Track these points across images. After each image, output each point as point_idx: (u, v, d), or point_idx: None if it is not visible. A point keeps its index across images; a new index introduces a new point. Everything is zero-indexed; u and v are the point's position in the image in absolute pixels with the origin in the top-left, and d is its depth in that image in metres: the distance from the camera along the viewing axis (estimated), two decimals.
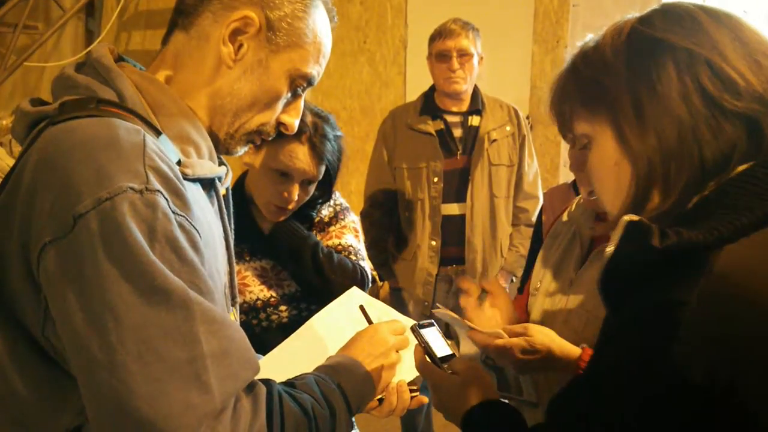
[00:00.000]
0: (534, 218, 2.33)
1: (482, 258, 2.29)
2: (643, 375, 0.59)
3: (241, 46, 0.80)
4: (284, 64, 0.82)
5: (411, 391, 1.10)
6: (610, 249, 0.65)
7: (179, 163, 0.74)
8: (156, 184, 0.65)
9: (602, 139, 0.72)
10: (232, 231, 0.91)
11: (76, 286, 0.62)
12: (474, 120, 2.26)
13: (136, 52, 4.04)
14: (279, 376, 0.86)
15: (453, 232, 2.27)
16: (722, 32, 0.67)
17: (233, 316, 0.87)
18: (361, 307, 1.07)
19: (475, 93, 2.29)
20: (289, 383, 0.83)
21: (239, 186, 1.46)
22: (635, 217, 0.64)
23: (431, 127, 2.23)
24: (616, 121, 0.70)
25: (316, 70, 0.86)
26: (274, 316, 1.39)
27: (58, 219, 0.62)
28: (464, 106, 2.27)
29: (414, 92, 2.36)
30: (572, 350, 1.03)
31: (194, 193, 0.76)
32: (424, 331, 0.96)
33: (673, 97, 0.65)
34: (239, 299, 1.36)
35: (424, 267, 2.29)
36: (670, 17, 0.70)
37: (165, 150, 0.72)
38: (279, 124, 0.87)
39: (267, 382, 0.76)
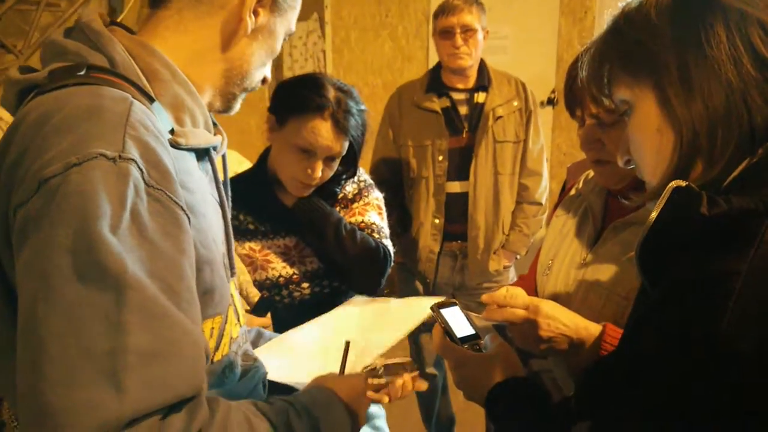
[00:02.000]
0: (537, 195, 2.30)
1: (484, 235, 2.27)
2: (691, 347, 0.57)
3: (258, 15, 0.80)
4: (284, 26, 0.85)
5: (405, 369, 1.05)
6: (653, 215, 0.62)
7: (172, 132, 0.72)
8: (132, 152, 0.62)
9: (644, 104, 0.69)
10: (229, 200, 0.90)
11: (26, 252, 0.58)
12: (480, 97, 2.22)
13: None
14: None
15: (456, 209, 2.26)
16: None
17: (232, 286, 0.85)
18: (346, 345, 1.03)
19: (482, 68, 2.24)
20: (259, 410, 0.76)
21: (262, 163, 1.46)
22: (683, 183, 0.61)
23: (437, 104, 2.20)
24: (660, 85, 0.66)
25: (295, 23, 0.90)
26: (296, 293, 1.41)
27: (26, 183, 0.60)
28: (470, 83, 2.23)
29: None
30: (590, 325, 0.98)
31: (187, 163, 0.74)
32: (444, 311, 0.95)
33: (722, 60, 0.62)
34: (262, 275, 1.38)
35: (426, 245, 2.28)
36: None
37: (157, 119, 0.69)
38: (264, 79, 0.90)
39: (226, 406, 0.68)
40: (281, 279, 1.40)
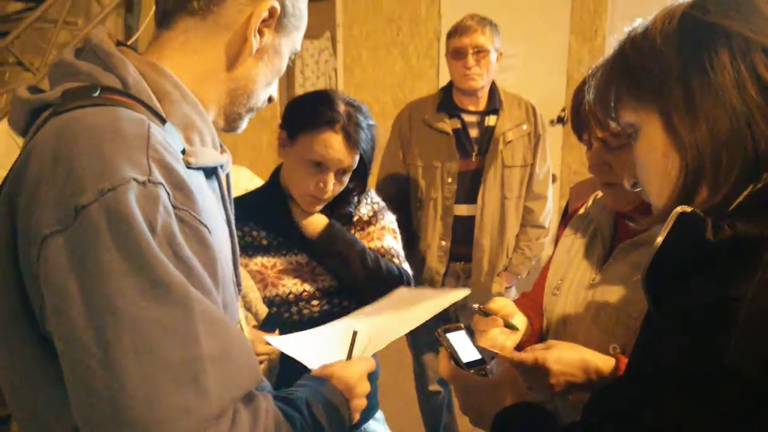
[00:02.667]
0: (541, 219, 2.29)
1: (489, 258, 2.27)
2: (696, 372, 0.57)
3: (263, 35, 0.80)
4: (289, 46, 0.86)
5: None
6: (659, 240, 0.63)
7: (183, 151, 0.73)
8: (158, 176, 0.64)
9: (650, 128, 0.70)
10: (232, 218, 0.91)
11: (77, 278, 0.60)
12: (490, 120, 2.21)
13: None
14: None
15: (462, 232, 2.24)
16: None
17: (240, 304, 0.87)
18: (354, 335, 1.05)
19: (493, 91, 2.23)
20: (282, 398, 0.80)
21: (274, 179, 1.47)
22: (688, 209, 0.62)
23: (448, 126, 2.19)
24: (665, 110, 0.67)
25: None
26: (305, 310, 1.41)
27: (60, 210, 0.61)
28: (481, 105, 2.21)
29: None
30: (605, 359, 0.98)
31: (198, 181, 0.75)
32: (450, 336, 0.94)
33: (726, 86, 0.62)
34: (272, 292, 1.39)
35: (432, 266, 2.27)
36: (724, 2, 0.66)
37: (170, 139, 0.71)
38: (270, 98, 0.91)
39: (266, 396, 0.73)
40: (291, 296, 1.40)
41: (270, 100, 0.90)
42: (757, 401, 0.54)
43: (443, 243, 2.25)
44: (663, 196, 0.70)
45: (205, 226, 0.68)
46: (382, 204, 1.55)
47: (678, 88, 0.65)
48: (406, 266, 1.52)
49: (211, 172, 0.82)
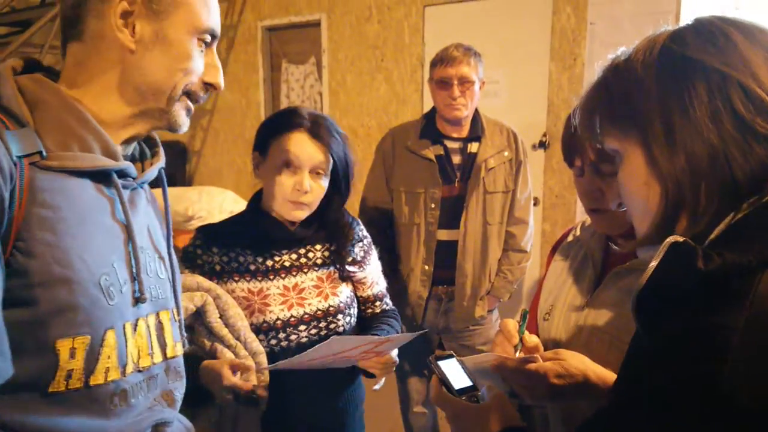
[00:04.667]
0: (522, 243, 2.32)
1: (471, 282, 2.29)
2: (689, 400, 0.58)
3: (134, 27, 0.83)
4: (180, 27, 0.86)
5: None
6: (653, 265, 0.64)
7: (41, 154, 0.78)
8: None
9: (632, 156, 0.71)
10: (158, 228, 0.98)
11: None
12: (473, 147, 2.24)
13: None
14: None
15: (445, 256, 2.27)
16: (756, 53, 0.65)
17: (143, 319, 0.89)
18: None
19: (475, 118, 2.26)
20: None
21: (254, 203, 1.47)
22: (680, 238, 0.63)
23: (431, 152, 2.22)
24: (646, 141, 0.69)
25: (212, 21, 0.89)
26: (293, 336, 1.41)
27: None
28: (464, 132, 2.24)
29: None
30: (608, 375, 0.98)
31: (62, 183, 0.79)
32: (441, 363, 0.95)
33: (704, 121, 0.64)
34: (259, 319, 1.39)
35: (415, 290, 2.29)
36: (702, 35, 0.68)
37: (13, 140, 0.76)
38: (206, 86, 0.91)
39: None
40: (278, 322, 1.40)
41: (214, 88, 0.91)
42: (751, 430, 0.55)
43: (426, 267, 2.27)
44: (644, 223, 0.71)
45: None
46: (369, 239, 1.58)
47: (657, 119, 0.67)
48: (389, 301, 1.61)
49: (100, 178, 0.84)
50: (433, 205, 2.22)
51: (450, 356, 0.96)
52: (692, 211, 0.66)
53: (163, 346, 0.94)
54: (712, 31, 0.68)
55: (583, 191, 1.11)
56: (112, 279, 0.82)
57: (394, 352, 1.42)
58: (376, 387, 1.39)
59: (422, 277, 2.28)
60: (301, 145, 1.36)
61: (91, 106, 0.85)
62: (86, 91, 0.85)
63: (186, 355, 1.31)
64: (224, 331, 1.32)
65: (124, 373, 0.84)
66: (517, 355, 1.05)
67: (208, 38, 0.89)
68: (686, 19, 0.73)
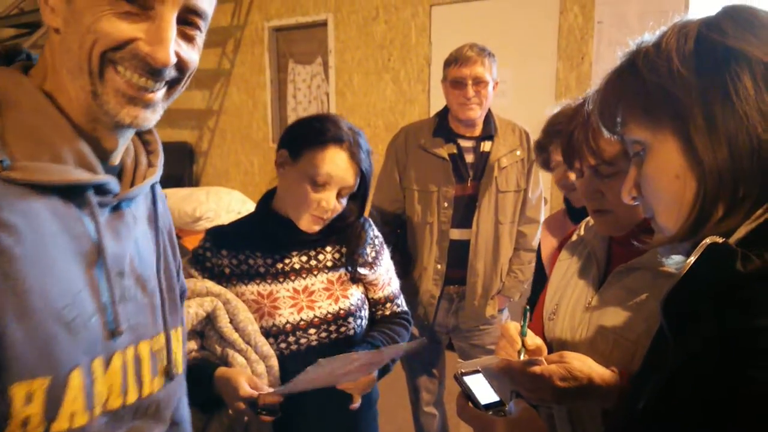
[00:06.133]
0: (533, 243, 2.31)
1: (483, 282, 2.28)
2: (727, 404, 0.56)
3: (53, 8, 0.70)
4: None
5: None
6: (689, 262, 0.62)
7: (2, 164, 0.66)
8: None
9: (663, 148, 0.69)
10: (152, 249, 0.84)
11: None
12: (485, 146, 2.24)
13: None
14: None
15: (457, 256, 2.26)
16: None
17: (119, 353, 0.76)
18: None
19: (488, 118, 2.26)
20: None
21: (264, 205, 1.47)
22: (719, 240, 0.61)
23: (444, 150, 2.21)
24: (685, 132, 0.66)
25: None
26: (303, 339, 1.40)
27: None
28: (477, 131, 2.24)
29: (438, 109, 2.36)
30: (611, 377, 0.97)
31: (24, 199, 0.67)
32: (467, 379, 0.94)
33: (750, 113, 0.62)
34: (269, 322, 1.38)
35: (427, 289, 2.29)
36: (740, 23, 0.66)
37: None
38: (145, 58, 0.70)
39: None
40: (288, 326, 1.39)
41: (153, 59, 0.69)
42: None
43: (439, 267, 2.26)
44: (673, 218, 0.69)
45: None
46: (380, 238, 1.57)
47: (699, 112, 0.65)
48: (401, 302, 1.58)
49: (73, 194, 0.71)
50: (446, 204, 2.22)
51: (476, 372, 0.96)
52: (728, 207, 0.64)
53: (139, 384, 0.80)
54: (750, 20, 0.66)
55: (583, 192, 1.11)
56: (77, 310, 0.70)
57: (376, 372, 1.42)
58: (355, 405, 1.38)
59: (435, 277, 2.27)
60: (336, 164, 1.33)
61: (64, 104, 0.72)
62: (51, 87, 0.72)
63: (198, 361, 1.32)
64: (234, 336, 1.32)
65: (92, 416, 0.72)
66: (521, 358, 1.05)
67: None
68: (695, 15, 0.71)
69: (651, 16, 3.17)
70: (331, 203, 1.35)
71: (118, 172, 0.80)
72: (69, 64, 0.70)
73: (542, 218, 2.34)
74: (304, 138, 1.37)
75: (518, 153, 2.25)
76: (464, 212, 2.24)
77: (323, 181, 1.34)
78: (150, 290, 0.83)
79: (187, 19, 0.73)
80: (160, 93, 0.74)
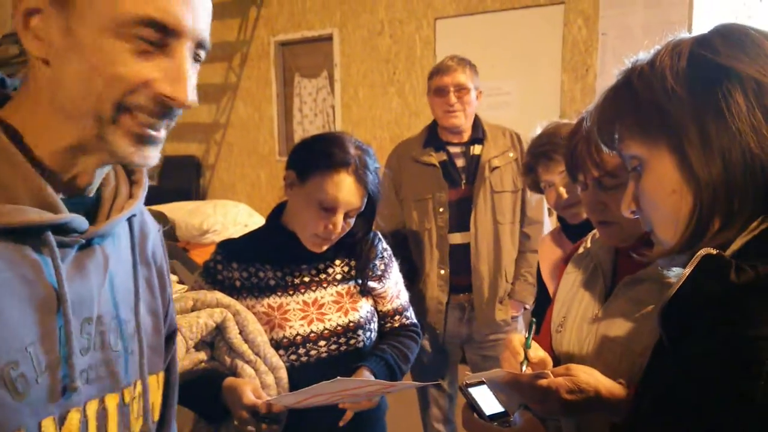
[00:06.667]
0: (538, 245, 2.31)
1: (488, 284, 2.30)
2: (723, 413, 0.57)
3: (41, 35, 0.64)
4: (95, 21, 0.62)
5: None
6: (684, 273, 0.63)
7: None
8: None
9: (659, 164, 0.70)
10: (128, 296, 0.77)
11: None
12: (476, 149, 2.29)
13: None
14: None
15: (460, 261, 2.29)
16: None
17: (76, 410, 0.69)
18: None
19: (476, 123, 2.32)
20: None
21: (275, 218, 1.48)
22: (713, 251, 0.63)
23: (434, 158, 2.27)
24: (680, 149, 0.68)
25: (155, 7, 0.63)
26: (313, 351, 1.40)
27: None
28: (465, 137, 2.30)
29: None
30: (618, 390, 0.97)
31: None
32: (472, 390, 0.95)
33: (743, 129, 0.64)
34: (279, 334, 1.38)
35: (434, 296, 2.30)
36: (732, 41, 0.67)
37: None
38: (160, 98, 0.66)
39: None
40: (298, 338, 1.40)
41: (171, 99, 0.66)
42: None
43: (442, 272, 2.28)
44: (670, 232, 0.70)
45: None
46: (389, 251, 1.58)
47: (693, 128, 0.66)
48: (410, 314, 1.60)
49: (28, 236, 0.65)
50: (441, 209, 2.26)
51: (481, 383, 0.96)
52: (724, 220, 0.65)
53: None
54: (741, 38, 0.67)
55: (587, 204, 1.12)
56: (22, 368, 0.63)
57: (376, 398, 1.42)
58: (343, 422, 1.38)
59: (439, 282, 2.29)
60: (343, 189, 1.34)
61: (31, 141, 0.66)
62: (25, 121, 0.67)
63: (208, 372, 1.33)
64: (244, 347, 1.33)
65: None
66: (524, 370, 1.05)
67: (153, 34, 0.63)
68: (698, 29, 0.72)
69: (655, 27, 3.18)
70: (338, 227, 1.36)
71: (95, 203, 0.74)
72: (65, 103, 0.65)
73: (546, 219, 2.35)
74: (310, 161, 1.37)
75: (511, 154, 2.29)
76: (461, 215, 2.27)
77: (330, 205, 1.34)
78: (128, 334, 0.76)
79: (196, 54, 0.70)
80: (167, 128, 0.71)
